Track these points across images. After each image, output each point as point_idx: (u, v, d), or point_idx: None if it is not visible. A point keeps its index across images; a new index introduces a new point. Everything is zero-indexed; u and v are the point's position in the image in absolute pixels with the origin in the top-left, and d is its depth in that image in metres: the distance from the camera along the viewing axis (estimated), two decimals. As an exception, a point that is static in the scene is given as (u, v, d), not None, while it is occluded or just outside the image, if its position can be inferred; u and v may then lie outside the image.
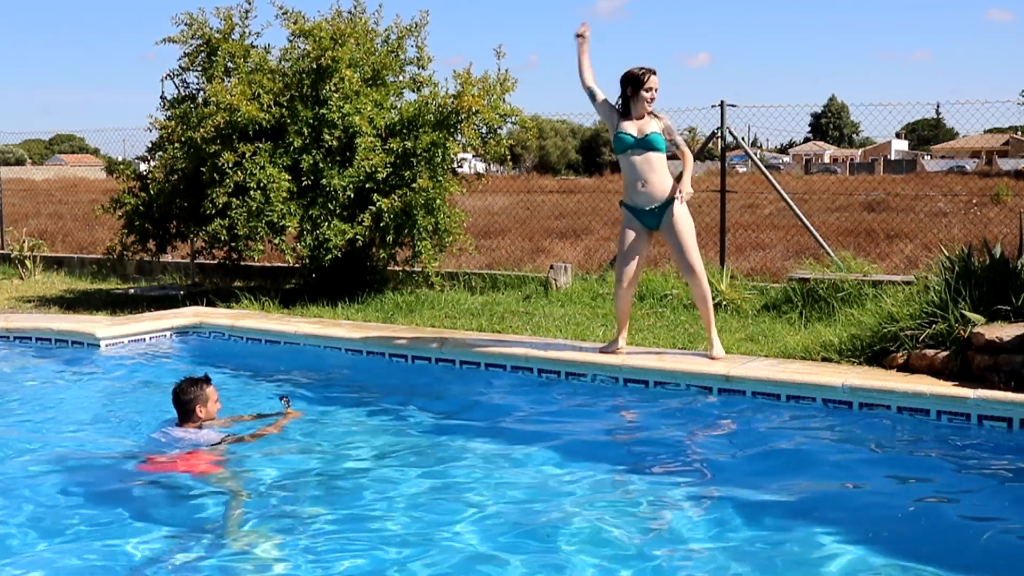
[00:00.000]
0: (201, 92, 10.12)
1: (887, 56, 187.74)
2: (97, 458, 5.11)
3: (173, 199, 9.79)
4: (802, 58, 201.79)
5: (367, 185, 9.21)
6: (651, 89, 6.45)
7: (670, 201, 6.45)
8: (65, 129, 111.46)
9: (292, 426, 5.46)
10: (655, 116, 6.52)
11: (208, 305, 9.50)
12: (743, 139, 10.61)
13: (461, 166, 10.38)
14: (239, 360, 7.43)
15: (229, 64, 9.88)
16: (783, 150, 70.74)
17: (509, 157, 10.08)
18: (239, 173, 9.01)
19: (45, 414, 5.99)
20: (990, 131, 62.15)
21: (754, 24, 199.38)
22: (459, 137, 9.53)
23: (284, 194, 9.03)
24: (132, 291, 11.18)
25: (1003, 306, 5.98)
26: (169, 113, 10.14)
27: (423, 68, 10.11)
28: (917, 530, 4.09)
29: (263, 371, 7.11)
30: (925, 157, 62.40)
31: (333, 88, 9.20)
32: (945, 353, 5.88)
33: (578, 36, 6.70)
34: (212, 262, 11.15)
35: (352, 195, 9.22)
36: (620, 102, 6.57)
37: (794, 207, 10.27)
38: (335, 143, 9.17)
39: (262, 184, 8.96)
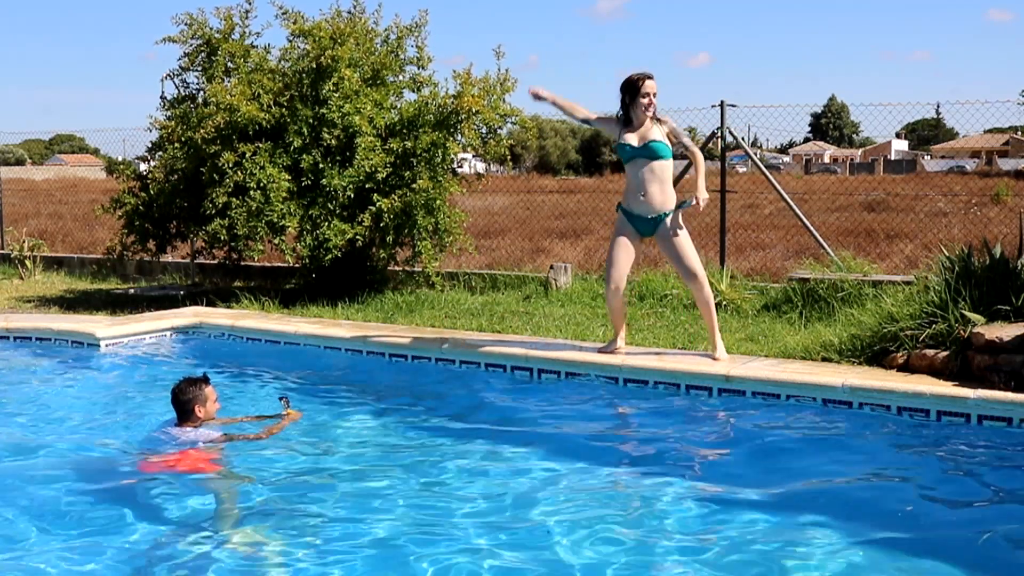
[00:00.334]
0: (201, 92, 10.13)
1: (887, 56, 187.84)
2: (96, 458, 5.11)
3: (173, 199, 9.79)
4: (802, 58, 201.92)
5: (367, 185, 9.21)
6: (648, 94, 6.39)
7: (668, 213, 6.44)
8: (65, 129, 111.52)
9: (292, 427, 5.46)
10: (658, 121, 6.47)
11: (208, 305, 9.50)
12: (743, 139, 10.61)
13: (461, 166, 10.38)
14: (239, 360, 7.43)
15: (229, 64, 9.88)
16: (783, 150, 70.75)
17: (509, 157, 10.08)
18: (239, 173, 9.01)
19: (45, 414, 5.99)
20: (990, 131, 62.15)
21: (754, 24, 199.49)
22: (459, 137, 9.53)
23: (284, 194, 9.03)
24: (132, 291, 11.18)
25: (1003, 306, 5.98)
26: (169, 113, 10.15)
27: (423, 68, 10.12)
28: (917, 530, 4.09)
29: (263, 371, 7.11)
30: (925, 157, 62.42)
31: (333, 88, 9.21)
32: (945, 353, 5.88)
33: (537, 98, 6.71)
34: (212, 262, 11.15)
35: (352, 195, 9.22)
36: (621, 111, 6.55)
37: (794, 207, 10.27)
38: (334, 142, 9.17)
39: (262, 184, 8.96)
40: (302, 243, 9.23)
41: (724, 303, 8.63)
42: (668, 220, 6.46)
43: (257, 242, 9.22)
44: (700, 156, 6.60)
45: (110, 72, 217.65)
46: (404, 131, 9.47)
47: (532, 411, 5.99)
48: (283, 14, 9.77)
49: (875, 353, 6.27)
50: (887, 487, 4.65)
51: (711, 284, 8.10)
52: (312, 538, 4.05)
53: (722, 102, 10.13)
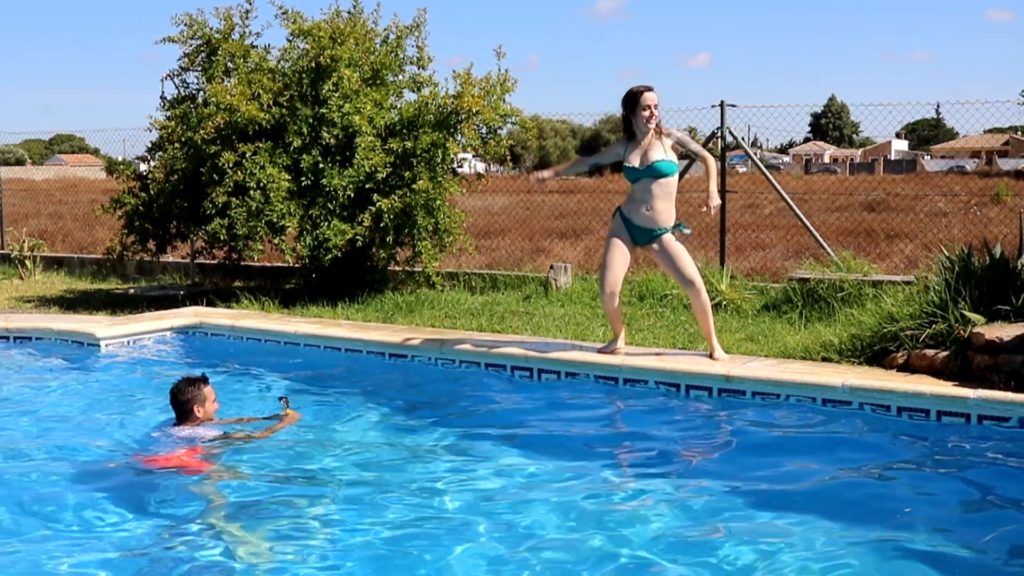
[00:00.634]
0: (201, 92, 10.12)
1: (887, 56, 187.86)
2: (96, 457, 5.11)
3: (173, 199, 9.79)
4: (802, 58, 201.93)
5: (367, 185, 9.21)
6: (648, 107, 6.35)
7: (668, 228, 6.45)
8: (65, 129, 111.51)
9: (291, 427, 5.46)
10: (662, 134, 6.42)
11: (208, 305, 9.50)
12: (743, 139, 10.61)
13: (461, 166, 10.38)
14: (239, 360, 7.43)
15: (229, 64, 9.88)
16: (783, 150, 70.73)
17: (509, 157, 10.08)
18: (239, 173, 9.01)
19: (45, 414, 5.99)
20: (990, 131, 62.16)
21: (754, 24, 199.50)
22: (459, 137, 9.52)
23: (284, 194, 9.03)
24: (132, 291, 11.18)
25: (1003, 306, 5.98)
26: (169, 113, 10.15)
27: (423, 68, 10.12)
28: (917, 530, 4.09)
29: (263, 371, 7.11)
30: (925, 157, 62.41)
31: (332, 87, 9.21)
32: (945, 353, 5.88)
33: (541, 181, 6.92)
34: (212, 262, 11.15)
35: (352, 195, 9.22)
36: (623, 126, 6.54)
37: (794, 207, 10.26)
38: (333, 141, 9.17)
39: (262, 184, 8.96)
40: (302, 243, 9.23)
41: (724, 303, 8.63)
42: (665, 236, 6.46)
43: (257, 242, 9.22)
44: (712, 161, 6.57)
45: (110, 72, 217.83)
46: (404, 131, 9.47)
47: (532, 411, 5.99)
48: (283, 14, 9.77)
49: (875, 353, 6.27)
50: (887, 487, 4.65)
51: (711, 284, 8.11)
52: (311, 538, 4.05)
53: (722, 102, 10.13)
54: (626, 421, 5.99)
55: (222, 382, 6.46)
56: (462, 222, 10.01)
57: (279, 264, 11.72)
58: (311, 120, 9.25)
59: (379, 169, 9.09)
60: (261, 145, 9.21)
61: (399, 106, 9.94)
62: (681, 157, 7.27)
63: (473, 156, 10.48)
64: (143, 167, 10.91)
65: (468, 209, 11.28)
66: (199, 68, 10.08)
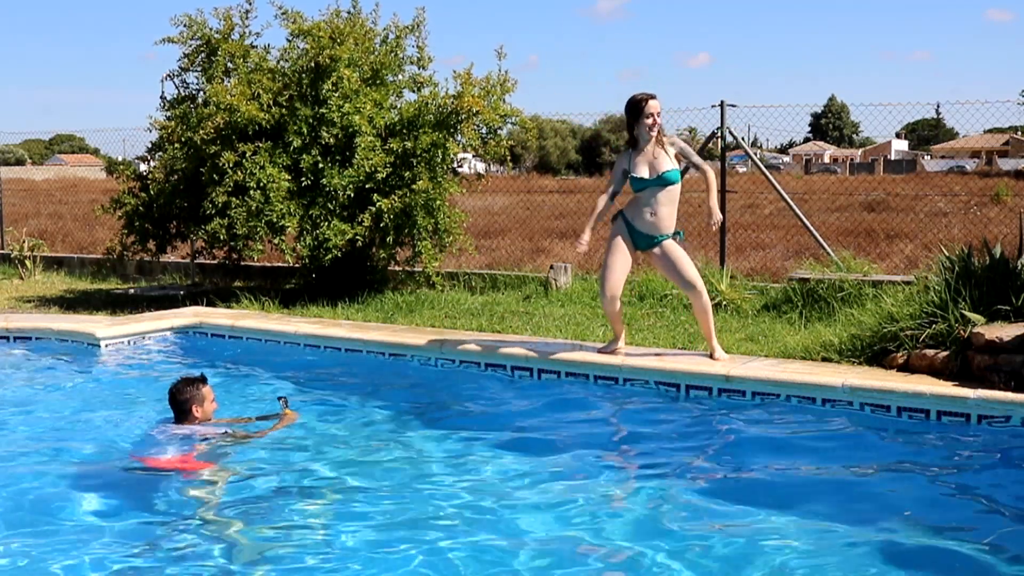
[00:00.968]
0: (201, 92, 10.12)
1: (887, 56, 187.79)
2: (94, 457, 5.11)
3: (173, 199, 9.79)
4: (802, 58, 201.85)
5: (367, 185, 9.21)
6: (651, 115, 6.38)
7: (669, 235, 6.45)
8: (65, 129, 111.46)
9: (290, 427, 5.46)
10: (665, 142, 6.43)
11: (208, 305, 9.50)
12: (743, 139, 10.61)
13: (461, 166, 10.39)
14: (239, 360, 7.43)
15: (229, 64, 9.88)
16: (783, 150, 70.71)
17: (509, 157, 10.08)
18: (239, 173, 9.01)
19: (44, 413, 5.98)
20: (990, 131, 62.13)
21: (754, 24, 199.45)
22: (459, 137, 9.53)
23: (284, 194, 9.03)
24: (132, 291, 11.18)
25: (1003, 306, 5.98)
26: (169, 113, 10.15)
27: (423, 68, 10.12)
28: (917, 530, 4.09)
29: (263, 371, 7.11)
30: (925, 157, 62.41)
31: (332, 87, 9.21)
32: (945, 353, 5.88)
33: (583, 243, 6.80)
34: (212, 262, 11.15)
35: (352, 195, 9.22)
36: (628, 132, 6.54)
37: (794, 207, 10.27)
38: (332, 141, 9.17)
39: (262, 184, 8.96)
40: (302, 243, 9.23)
41: (724, 303, 8.63)
42: (666, 241, 6.46)
43: (257, 242, 9.22)
44: (712, 175, 6.57)
45: (110, 72, 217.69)
46: (404, 131, 9.47)
47: (532, 411, 5.99)
48: (282, 14, 9.77)
49: (875, 353, 6.27)
50: (886, 487, 4.65)
51: (711, 284, 8.11)
52: (309, 538, 4.06)
53: (722, 102, 10.13)
54: (626, 421, 5.99)
55: (222, 382, 6.47)
56: (462, 222, 10.01)
57: (279, 264, 11.72)
58: (311, 120, 9.25)
59: (379, 169, 9.09)
60: (261, 145, 9.21)
61: (399, 106, 9.94)
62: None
63: (473, 156, 10.48)
64: (143, 167, 10.92)
65: (468, 209, 11.28)
66: (199, 68, 10.08)
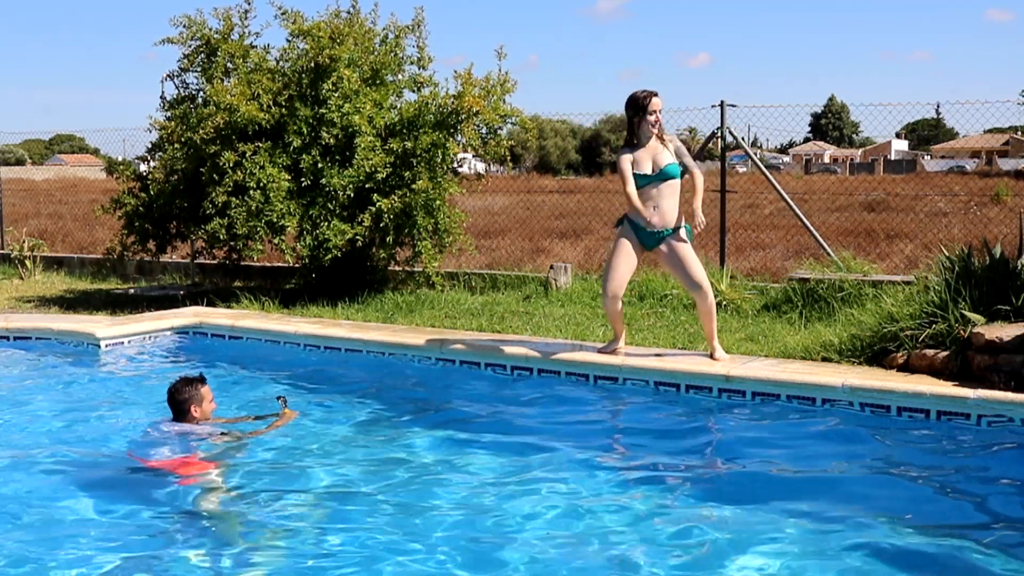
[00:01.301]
0: (201, 92, 10.12)
1: (887, 56, 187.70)
2: (93, 457, 5.12)
3: (173, 199, 9.79)
4: (802, 58, 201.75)
5: (367, 185, 9.21)
6: (654, 112, 6.40)
7: (676, 228, 6.45)
8: (65, 129, 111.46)
9: (289, 426, 5.45)
10: (665, 140, 6.45)
11: (208, 305, 9.51)
12: (743, 139, 10.61)
13: (461, 166, 10.39)
14: (239, 360, 7.43)
15: (228, 64, 9.88)
16: (783, 150, 70.71)
17: (509, 157, 10.08)
18: (239, 173, 9.02)
19: (44, 413, 5.99)
20: (990, 131, 62.12)
21: (754, 24, 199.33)
22: (459, 137, 9.52)
23: (284, 194, 9.03)
24: (132, 291, 11.18)
25: (1003, 306, 5.98)
26: (169, 114, 10.15)
27: (423, 68, 10.12)
28: (916, 529, 4.09)
29: (263, 371, 7.11)
30: (925, 157, 62.40)
31: (332, 87, 9.21)
32: (945, 353, 5.88)
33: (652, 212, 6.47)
34: (212, 262, 11.15)
35: (352, 195, 9.22)
36: (627, 128, 6.54)
37: (794, 207, 10.27)
38: (332, 141, 9.17)
39: (262, 184, 8.96)
40: (302, 243, 9.23)
41: (724, 303, 8.63)
42: (672, 236, 6.46)
43: (257, 242, 9.22)
44: (700, 178, 6.56)
45: (110, 72, 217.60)
46: (404, 131, 9.47)
47: (532, 411, 5.99)
48: (282, 14, 9.78)
49: (875, 353, 6.27)
50: (886, 487, 4.65)
51: (711, 284, 8.09)
52: (308, 537, 4.05)
53: (722, 102, 10.13)
54: (626, 421, 5.99)
55: (222, 382, 6.47)
56: (462, 222, 10.01)
57: (279, 264, 11.72)
58: (311, 120, 9.25)
59: (379, 169, 9.09)
60: (261, 145, 9.22)
61: (399, 106, 9.94)
62: None
63: (473, 156, 10.48)
64: (143, 167, 10.92)
65: (468, 209, 11.28)
66: (199, 68, 10.08)
